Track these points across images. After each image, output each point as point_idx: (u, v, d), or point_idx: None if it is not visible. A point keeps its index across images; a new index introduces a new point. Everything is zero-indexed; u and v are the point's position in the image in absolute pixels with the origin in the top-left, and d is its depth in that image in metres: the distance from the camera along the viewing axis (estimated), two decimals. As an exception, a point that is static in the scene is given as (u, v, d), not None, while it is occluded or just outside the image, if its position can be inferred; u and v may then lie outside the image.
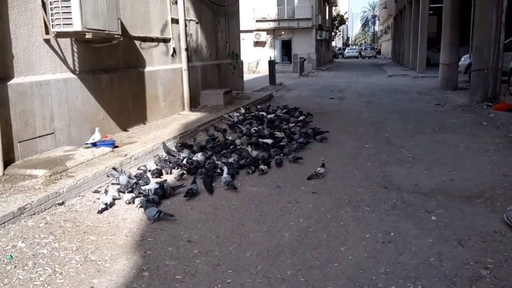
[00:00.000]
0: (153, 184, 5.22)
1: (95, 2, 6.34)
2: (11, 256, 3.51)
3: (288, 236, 4.05)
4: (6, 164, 5.58)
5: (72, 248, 3.75)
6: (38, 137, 6.28)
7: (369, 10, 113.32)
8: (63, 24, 6.07)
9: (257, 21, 34.03)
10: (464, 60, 18.00)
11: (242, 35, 31.50)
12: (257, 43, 33.98)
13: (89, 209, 4.77)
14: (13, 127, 5.80)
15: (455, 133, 8.63)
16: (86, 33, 6.20)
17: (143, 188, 5.13)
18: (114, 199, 4.95)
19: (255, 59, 33.17)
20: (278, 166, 6.44)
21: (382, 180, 5.72)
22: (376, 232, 4.10)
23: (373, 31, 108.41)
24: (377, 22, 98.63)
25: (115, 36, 6.99)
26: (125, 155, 6.48)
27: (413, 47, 27.72)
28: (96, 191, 5.33)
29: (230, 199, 5.09)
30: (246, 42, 32.76)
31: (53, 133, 6.56)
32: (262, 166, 6.17)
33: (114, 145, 6.97)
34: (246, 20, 31.54)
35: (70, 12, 5.98)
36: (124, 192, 5.13)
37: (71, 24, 6.03)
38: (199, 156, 6.59)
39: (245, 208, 4.77)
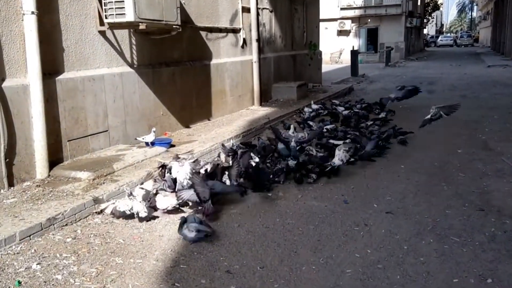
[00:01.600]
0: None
1: (150, -11, 5.87)
2: (19, 283, 3.08)
3: (350, 273, 3.25)
4: (53, 164, 5.31)
5: (92, 274, 3.25)
6: (90, 135, 5.99)
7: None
8: (116, 14, 5.68)
9: (341, 8, 32.54)
10: None
11: (325, 24, 30.67)
12: (341, 32, 32.51)
13: (127, 220, 4.29)
14: (61, 125, 5.52)
15: None
16: (140, 23, 5.75)
17: (182, 194, 4.49)
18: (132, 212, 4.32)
19: (338, 48, 31.80)
20: (332, 175, 5.56)
21: (477, 199, 4.66)
22: (468, 276, 3.17)
23: (470, 17, 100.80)
24: (475, 7, 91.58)
25: (174, 26, 6.50)
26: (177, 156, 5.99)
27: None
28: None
29: (286, 215, 4.37)
30: (329, 31, 31.56)
31: (106, 130, 6.25)
32: (313, 175, 5.38)
33: (170, 144, 6.54)
34: (329, 8, 30.33)
35: (123, 1, 5.56)
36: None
37: (124, 14, 5.62)
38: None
39: (301, 230, 4.01)
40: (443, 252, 3.51)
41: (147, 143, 6.35)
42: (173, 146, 6.59)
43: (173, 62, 7.70)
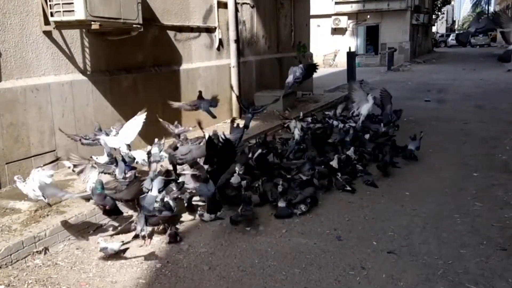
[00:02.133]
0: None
1: (106, -18, 5.83)
2: None
3: (344, 329, 3.20)
4: (-13, 193, 5.19)
5: (27, 333, 3.14)
6: (33, 156, 5.91)
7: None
8: (64, 11, 5.63)
9: (336, 3, 32.95)
10: None
11: (317, 21, 31.01)
12: (336, 30, 32.85)
13: (74, 262, 4.18)
14: (-3, 145, 5.41)
15: None
16: (92, 22, 5.70)
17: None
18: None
19: (333, 50, 32.12)
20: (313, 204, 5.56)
21: (498, 235, 4.65)
22: (486, 332, 3.14)
23: (487, 12, 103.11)
24: (492, 1, 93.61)
25: (134, 26, 6.46)
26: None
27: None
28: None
29: (267, 255, 4.30)
30: (322, 30, 31.87)
31: (53, 150, 6.17)
32: (302, 206, 5.36)
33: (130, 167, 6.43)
34: (322, 2, 30.64)
35: (71, -4, 5.52)
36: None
37: (73, 11, 5.56)
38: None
39: (285, 274, 3.95)
40: (456, 302, 3.48)
41: (103, 166, 6.25)
42: (133, 168, 6.48)
43: (135, 68, 7.64)
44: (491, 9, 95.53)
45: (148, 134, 7.81)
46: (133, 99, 7.52)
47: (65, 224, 4.69)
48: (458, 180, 6.49)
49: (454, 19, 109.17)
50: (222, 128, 9.32)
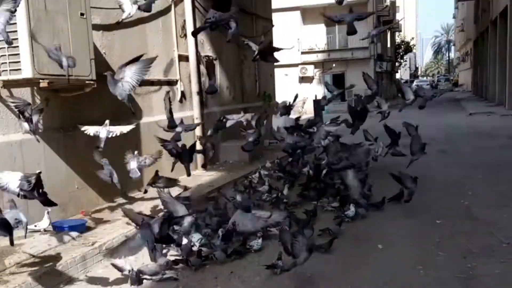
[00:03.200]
0: None
1: (56, 39, 5.65)
2: None
3: None
4: None
5: None
6: (-21, 220, 5.51)
7: (442, 34, 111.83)
8: (10, 70, 5.42)
9: (302, 53, 33.62)
10: None
11: (285, 70, 31.39)
12: (303, 79, 33.40)
13: None
14: None
15: None
16: (41, 80, 5.49)
17: None
18: None
19: (301, 97, 32.46)
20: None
21: (462, 286, 4.44)
22: None
23: (447, 59, 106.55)
24: (452, 48, 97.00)
25: (87, 82, 6.27)
26: (93, 244, 5.57)
27: (500, 78, 26.28)
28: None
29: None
30: (290, 78, 32.31)
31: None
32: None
33: (84, 227, 6.13)
34: (289, 52, 31.15)
35: (18, 54, 5.31)
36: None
37: (20, 69, 5.36)
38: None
39: None
40: None
41: (56, 226, 5.93)
42: (89, 228, 6.17)
43: (93, 124, 7.37)
44: (452, 55, 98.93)
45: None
46: (90, 156, 7.22)
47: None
48: (422, 227, 6.34)
49: (417, 65, 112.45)
50: (186, 180, 9.08)
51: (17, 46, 5.28)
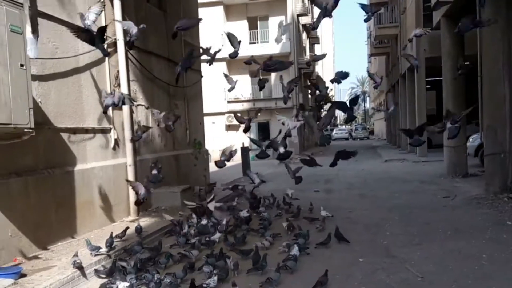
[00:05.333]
0: None
1: (-5, 88, 5.70)
2: None
3: None
4: None
5: None
6: None
7: (358, 86, 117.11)
8: (-50, 119, 5.39)
9: (229, 102, 34.29)
10: (473, 140, 17.81)
11: (212, 118, 31.86)
12: (230, 127, 33.94)
13: None
14: None
15: (473, 238, 7.86)
16: (-21, 129, 5.50)
17: None
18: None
19: (228, 145, 32.91)
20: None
21: (382, 319, 4.82)
22: None
23: (364, 109, 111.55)
24: (367, 99, 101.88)
25: (26, 130, 6.30)
26: (31, 290, 5.51)
27: (410, 127, 27.89)
28: None
29: None
30: (217, 126, 32.77)
31: None
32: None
33: (19, 274, 6.01)
34: (216, 101, 31.81)
35: (-42, 104, 5.32)
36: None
37: (-40, 119, 5.35)
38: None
39: None
40: None
41: (-13, 276, 5.79)
42: (24, 275, 6.06)
43: (26, 171, 7.33)
44: (367, 105, 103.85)
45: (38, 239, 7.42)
46: (24, 202, 7.16)
47: None
48: (346, 266, 6.70)
49: (336, 115, 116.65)
50: (119, 227, 9.03)
51: (-42, 96, 5.30)
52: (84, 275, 6.46)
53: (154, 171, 8.57)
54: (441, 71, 17.11)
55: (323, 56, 10.46)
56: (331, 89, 72.31)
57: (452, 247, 7.40)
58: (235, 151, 8.70)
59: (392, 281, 5.98)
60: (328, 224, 9.06)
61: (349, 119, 9.98)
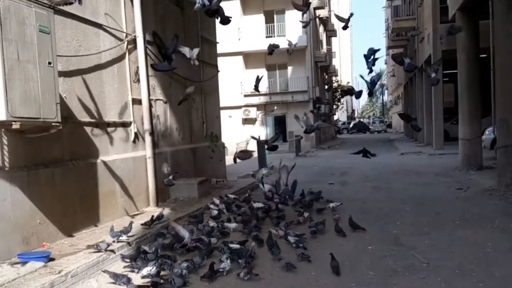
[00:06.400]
0: None
1: (27, 85, 6.17)
2: None
3: None
4: None
5: None
6: None
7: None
8: (-14, 113, 5.86)
9: (245, 95, 34.70)
10: (489, 133, 17.99)
11: (228, 112, 32.33)
12: (246, 120, 34.36)
13: None
14: None
15: (481, 228, 8.18)
16: (13, 122, 5.96)
17: None
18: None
19: (245, 138, 33.32)
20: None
21: (387, 298, 5.20)
22: None
23: (382, 102, 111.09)
24: (385, 92, 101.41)
25: (53, 124, 6.76)
26: (60, 272, 5.96)
27: (427, 120, 28.02)
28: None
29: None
30: (233, 120, 33.19)
31: (-29, 247, 6.11)
32: None
33: (48, 258, 6.48)
34: (233, 95, 32.18)
35: (-7, 99, 5.78)
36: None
37: (-6, 113, 5.81)
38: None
39: None
40: None
41: (21, 258, 6.29)
42: (52, 259, 6.53)
43: (53, 162, 7.81)
44: (385, 98, 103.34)
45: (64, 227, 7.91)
46: (51, 192, 7.63)
47: None
48: (355, 252, 7.08)
49: (354, 108, 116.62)
50: (140, 217, 9.51)
51: (-8, 92, 5.77)
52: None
53: (170, 177, 9.53)
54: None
55: (348, 19, 10.57)
56: (349, 82, 72.19)
57: (459, 236, 7.74)
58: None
59: (398, 267, 6.33)
60: (342, 215, 9.39)
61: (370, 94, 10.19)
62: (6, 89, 5.83)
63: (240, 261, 6.46)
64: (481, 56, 16.61)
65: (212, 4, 7.99)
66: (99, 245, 6.87)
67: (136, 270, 6.45)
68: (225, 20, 8.64)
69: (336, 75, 57.79)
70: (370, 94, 9.76)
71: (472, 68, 16.19)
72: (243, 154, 9.56)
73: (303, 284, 5.86)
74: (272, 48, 10.43)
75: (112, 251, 6.99)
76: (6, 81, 5.85)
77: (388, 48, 51.18)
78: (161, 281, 5.93)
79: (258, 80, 11.06)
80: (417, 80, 32.33)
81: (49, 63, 6.66)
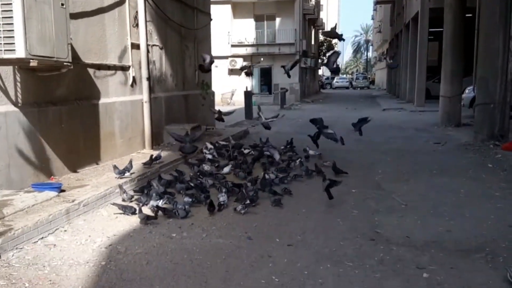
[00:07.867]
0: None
1: (42, 24, 6.54)
2: None
3: (257, 296, 4.18)
4: None
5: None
6: (-30, 180, 6.33)
7: (361, 34, 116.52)
8: (5, 50, 6.23)
9: (232, 45, 34.83)
10: (469, 92, 18.76)
11: (216, 62, 32.35)
12: (232, 71, 34.59)
13: (28, 263, 4.81)
14: None
15: (456, 177, 8.97)
16: (31, 60, 6.36)
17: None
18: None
19: (230, 89, 33.69)
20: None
21: (369, 232, 5.92)
22: (359, 291, 4.26)
23: (366, 58, 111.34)
24: (370, 48, 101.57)
25: (65, 64, 7.18)
26: (73, 201, 6.54)
27: (410, 77, 28.69)
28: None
29: (193, 252, 5.21)
30: (219, 70, 33.38)
31: (-9, 175, 6.63)
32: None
33: (60, 189, 7.04)
34: (220, 44, 32.22)
35: (13, 37, 6.15)
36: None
37: (14, 50, 6.20)
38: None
39: (209, 263, 4.88)
40: (338, 274, 4.62)
41: (36, 188, 6.83)
42: (63, 191, 7.09)
43: (60, 101, 8.25)
44: (370, 54, 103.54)
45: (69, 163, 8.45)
46: (58, 129, 8.10)
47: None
48: (340, 195, 7.72)
49: (338, 63, 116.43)
50: (137, 157, 10.06)
51: (13, 30, 6.14)
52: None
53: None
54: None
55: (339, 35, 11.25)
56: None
57: (436, 183, 8.52)
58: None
59: (379, 207, 7.07)
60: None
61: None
62: (25, 27, 6.20)
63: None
64: (467, 15, 17.12)
65: None
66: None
67: (141, 204, 7.06)
68: None
69: (323, 29, 57.70)
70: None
71: (457, 27, 16.76)
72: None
73: (295, 218, 6.54)
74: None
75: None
76: (25, 20, 6.22)
77: (377, 3, 51.19)
78: (166, 212, 6.58)
79: (293, 65, 11.57)
80: (403, 37, 32.77)
81: (62, 4, 7.01)
